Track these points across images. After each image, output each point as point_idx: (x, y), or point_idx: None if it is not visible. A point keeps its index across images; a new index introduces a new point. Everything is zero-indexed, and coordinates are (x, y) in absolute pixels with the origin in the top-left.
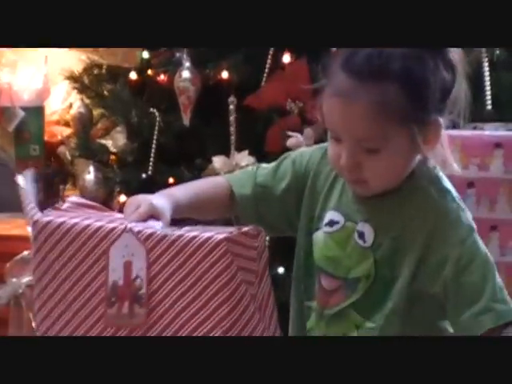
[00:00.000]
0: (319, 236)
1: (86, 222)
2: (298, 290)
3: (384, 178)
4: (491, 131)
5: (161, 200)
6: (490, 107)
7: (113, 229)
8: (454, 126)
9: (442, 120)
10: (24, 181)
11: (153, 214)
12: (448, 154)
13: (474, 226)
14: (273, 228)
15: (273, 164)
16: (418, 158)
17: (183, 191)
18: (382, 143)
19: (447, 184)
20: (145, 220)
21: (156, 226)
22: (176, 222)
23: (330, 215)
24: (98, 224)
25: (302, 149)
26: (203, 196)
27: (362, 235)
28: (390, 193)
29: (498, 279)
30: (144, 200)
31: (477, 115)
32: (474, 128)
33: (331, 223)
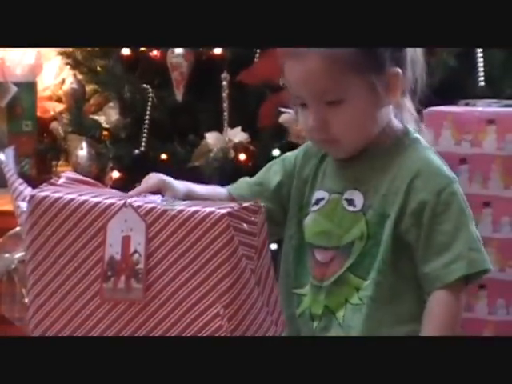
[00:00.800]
0: (308, 218)
1: (83, 198)
2: (286, 280)
3: (353, 133)
4: (484, 107)
5: (174, 180)
6: (482, 83)
7: (111, 204)
8: (447, 102)
9: (401, 71)
10: (5, 158)
11: (161, 188)
12: (417, 122)
13: (456, 179)
14: (271, 221)
15: (263, 168)
16: (388, 116)
17: (198, 185)
18: (342, 94)
19: (426, 143)
20: (152, 192)
21: (156, 200)
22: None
23: (315, 195)
24: (96, 200)
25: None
26: (213, 193)
27: (351, 202)
28: (377, 157)
29: (474, 230)
30: (156, 175)
31: (469, 92)
32: (467, 104)
33: (317, 201)
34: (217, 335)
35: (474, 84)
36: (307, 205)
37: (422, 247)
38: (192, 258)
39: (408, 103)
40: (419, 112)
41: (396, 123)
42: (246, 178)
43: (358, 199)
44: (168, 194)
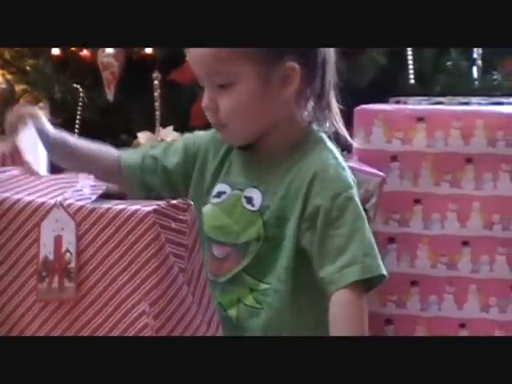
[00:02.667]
0: (207, 208)
1: (16, 197)
2: None
3: (238, 119)
4: (414, 105)
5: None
6: (413, 81)
7: (42, 203)
8: (378, 100)
9: (298, 66)
10: None
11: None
12: (341, 127)
13: (354, 186)
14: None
15: (167, 142)
16: (286, 111)
17: (82, 140)
18: (232, 78)
19: (330, 144)
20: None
21: (85, 193)
22: (105, 196)
23: (218, 188)
24: (29, 198)
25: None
26: (94, 149)
27: (250, 200)
28: (279, 156)
29: (369, 236)
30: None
31: (400, 89)
32: (398, 102)
33: (219, 194)
34: (142, 333)
35: (405, 82)
36: (208, 194)
37: (316, 252)
38: (119, 256)
39: (334, 104)
40: (350, 110)
41: (300, 121)
42: (147, 147)
43: (257, 198)
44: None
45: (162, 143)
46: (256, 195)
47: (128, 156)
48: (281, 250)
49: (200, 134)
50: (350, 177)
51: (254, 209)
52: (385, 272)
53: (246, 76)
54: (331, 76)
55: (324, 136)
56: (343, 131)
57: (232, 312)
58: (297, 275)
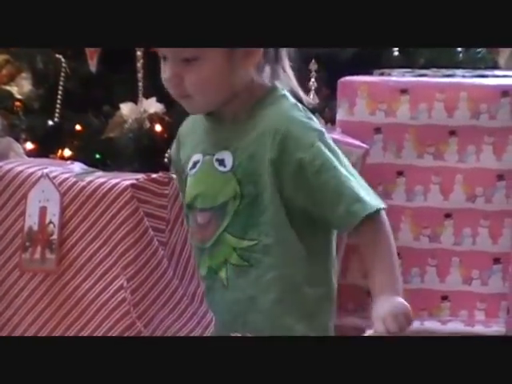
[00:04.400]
0: (188, 180)
1: (8, 166)
2: None
3: (204, 91)
4: (397, 77)
5: None
6: (397, 53)
7: (31, 174)
8: (362, 72)
9: None
10: None
11: None
12: (298, 88)
13: (324, 131)
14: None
15: None
16: (248, 76)
17: None
18: (198, 53)
19: (292, 99)
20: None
21: (75, 169)
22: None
23: (192, 159)
24: (19, 168)
25: None
26: None
27: (221, 162)
28: (243, 116)
29: (353, 171)
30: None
31: (384, 62)
32: (382, 74)
33: (194, 164)
34: (121, 307)
35: (389, 54)
36: (185, 165)
37: (314, 201)
38: (100, 230)
39: (288, 70)
40: (334, 82)
41: (262, 82)
42: None
43: (228, 159)
44: None
45: None
46: (227, 156)
47: None
48: (259, 206)
49: (171, 154)
50: (318, 124)
51: (226, 169)
52: (382, 205)
53: (212, 49)
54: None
55: (286, 93)
56: (299, 92)
57: (222, 274)
58: (283, 229)
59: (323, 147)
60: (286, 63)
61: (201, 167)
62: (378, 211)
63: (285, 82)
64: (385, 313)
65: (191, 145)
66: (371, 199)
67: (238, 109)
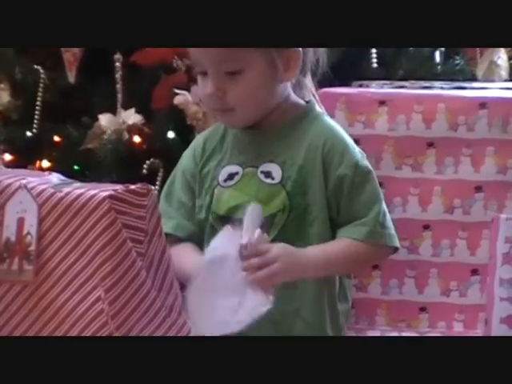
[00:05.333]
0: (220, 191)
1: None
2: None
3: (248, 104)
4: (376, 89)
5: None
6: (375, 65)
7: (9, 184)
8: (341, 84)
9: (301, 50)
10: None
11: None
12: (317, 100)
13: (363, 153)
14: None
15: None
16: (286, 91)
17: None
18: (242, 65)
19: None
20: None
21: (53, 180)
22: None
23: (226, 170)
24: None
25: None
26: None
27: (268, 174)
28: (285, 130)
29: (385, 208)
30: None
31: (363, 73)
32: (360, 86)
33: (231, 176)
34: (99, 319)
35: (368, 66)
36: (214, 177)
37: (340, 216)
38: (77, 241)
39: (309, 83)
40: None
41: (296, 98)
42: (167, 211)
43: (276, 171)
44: None
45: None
46: (274, 168)
47: (177, 228)
48: (307, 218)
49: (189, 155)
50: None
51: (274, 182)
52: (396, 244)
53: (255, 62)
54: (323, 56)
55: (322, 111)
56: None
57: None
58: (326, 241)
59: (365, 168)
60: (309, 76)
61: (241, 179)
62: (390, 248)
63: (306, 93)
64: (279, 248)
65: (222, 156)
66: (394, 234)
67: (278, 122)
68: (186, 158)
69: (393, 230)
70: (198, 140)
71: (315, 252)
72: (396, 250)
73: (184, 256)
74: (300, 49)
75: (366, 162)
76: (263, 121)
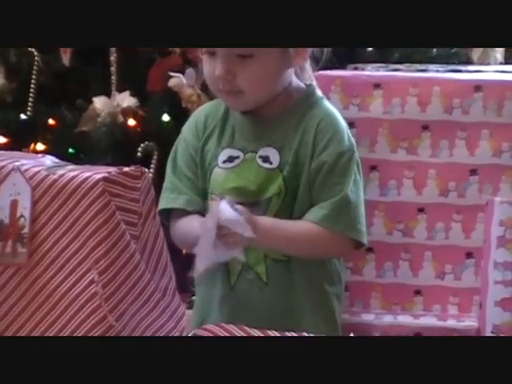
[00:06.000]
0: (218, 172)
1: None
2: None
3: (258, 88)
4: (371, 72)
5: None
6: (370, 48)
7: (2, 167)
8: (336, 67)
9: None
10: None
11: None
12: (314, 82)
13: (354, 145)
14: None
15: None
16: (291, 76)
17: None
18: (254, 49)
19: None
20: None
21: (46, 162)
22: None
23: (226, 153)
24: None
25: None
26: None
27: (266, 159)
28: (285, 115)
29: (359, 202)
30: None
31: (358, 56)
32: (356, 69)
33: (231, 159)
34: (92, 302)
35: (363, 49)
36: (214, 157)
37: (311, 199)
38: (71, 223)
39: (308, 68)
40: None
41: (298, 83)
42: (178, 186)
43: (274, 156)
44: None
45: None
46: (272, 153)
47: (187, 203)
48: (297, 201)
49: (190, 128)
50: (351, 138)
51: (272, 166)
52: (357, 237)
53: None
54: None
55: (322, 95)
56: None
57: (260, 268)
58: None
59: (348, 162)
60: (309, 60)
61: (241, 163)
62: (350, 240)
63: (306, 76)
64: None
65: (223, 138)
66: (357, 227)
67: (279, 108)
68: (188, 133)
69: (356, 223)
70: (199, 115)
71: (272, 222)
72: (361, 245)
73: (195, 223)
74: None
75: (350, 154)
76: (266, 105)
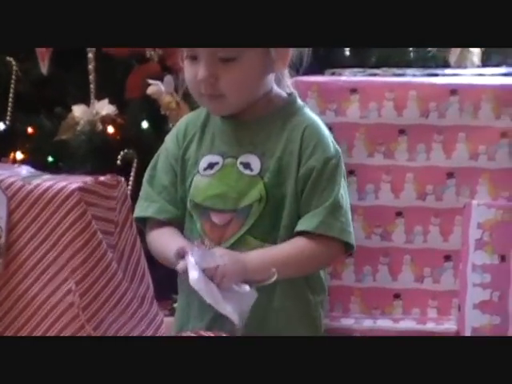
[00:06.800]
0: (199, 180)
1: None
2: None
3: (240, 91)
4: (348, 77)
5: None
6: (348, 53)
7: None
8: (313, 72)
9: None
10: None
11: None
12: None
13: (340, 151)
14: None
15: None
16: (271, 82)
17: None
18: (238, 52)
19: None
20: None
21: (22, 173)
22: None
23: (207, 159)
24: None
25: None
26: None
27: (247, 165)
28: (266, 121)
29: (345, 204)
30: None
31: (336, 61)
32: (333, 74)
33: (211, 166)
34: (69, 311)
35: (340, 53)
36: (194, 164)
37: (301, 207)
38: (48, 233)
39: (286, 75)
40: None
41: (279, 90)
42: (150, 194)
43: (255, 163)
44: None
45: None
46: (253, 160)
47: (159, 211)
48: (282, 209)
49: (172, 138)
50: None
51: (253, 173)
52: (349, 239)
53: (251, 50)
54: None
55: (304, 104)
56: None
57: None
58: (292, 232)
59: (335, 168)
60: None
61: (221, 169)
62: (342, 243)
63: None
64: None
65: (203, 144)
66: (348, 231)
67: (261, 113)
68: (170, 142)
69: (348, 226)
70: (181, 124)
71: (258, 255)
72: (350, 247)
73: (166, 240)
74: None
75: (337, 160)
76: (246, 110)
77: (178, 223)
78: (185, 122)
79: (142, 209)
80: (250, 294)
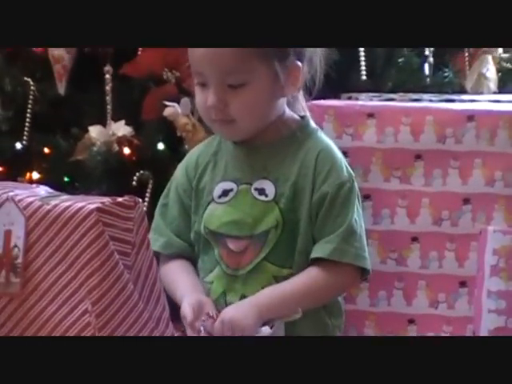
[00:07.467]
0: (215, 207)
1: None
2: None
3: (251, 116)
4: (364, 101)
5: None
6: (364, 77)
7: None
8: (330, 96)
9: (301, 65)
10: None
11: None
12: (307, 113)
13: (354, 179)
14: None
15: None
16: (283, 106)
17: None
18: (247, 77)
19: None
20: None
21: (40, 193)
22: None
23: (220, 187)
24: None
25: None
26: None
27: (262, 191)
28: (279, 146)
29: (359, 230)
30: None
31: (352, 85)
32: (349, 98)
33: (225, 193)
34: (85, 332)
35: (357, 78)
36: (209, 192)
37: (315, 233)
38: (65, 253)
39: (301, 99)
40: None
41: (292, 114)
42: (160, 226)
43: (269, 188)
44: None
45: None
46: (268, 186)
47: (167, 247)
48: (297, 234)
49: (182, 172)
50: (350, 168)
51: (268, 199)
52: (364, 264)
53: (259, 75)
54: (320, 73)
55: (317, 127)
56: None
57: None
58: (308, 256)
59: (349, 192)
60: (301, 92)
61: (236, 196)
62: (358, 269)
63: (299, 107)
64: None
65: (217, 172)
66: (363, 256)
67: (274, 138)
68: (179, 173)
69: (362, 251)
70: (191, 155)
71: (268, 294)
72: (366, 272)
73: (172, 278)
74: (300, 64)
75: (350, 184)
76: (259, 135)
77: (187, 254)
78: (196, 154)
79: (153, 241)
80: (276, 331)
